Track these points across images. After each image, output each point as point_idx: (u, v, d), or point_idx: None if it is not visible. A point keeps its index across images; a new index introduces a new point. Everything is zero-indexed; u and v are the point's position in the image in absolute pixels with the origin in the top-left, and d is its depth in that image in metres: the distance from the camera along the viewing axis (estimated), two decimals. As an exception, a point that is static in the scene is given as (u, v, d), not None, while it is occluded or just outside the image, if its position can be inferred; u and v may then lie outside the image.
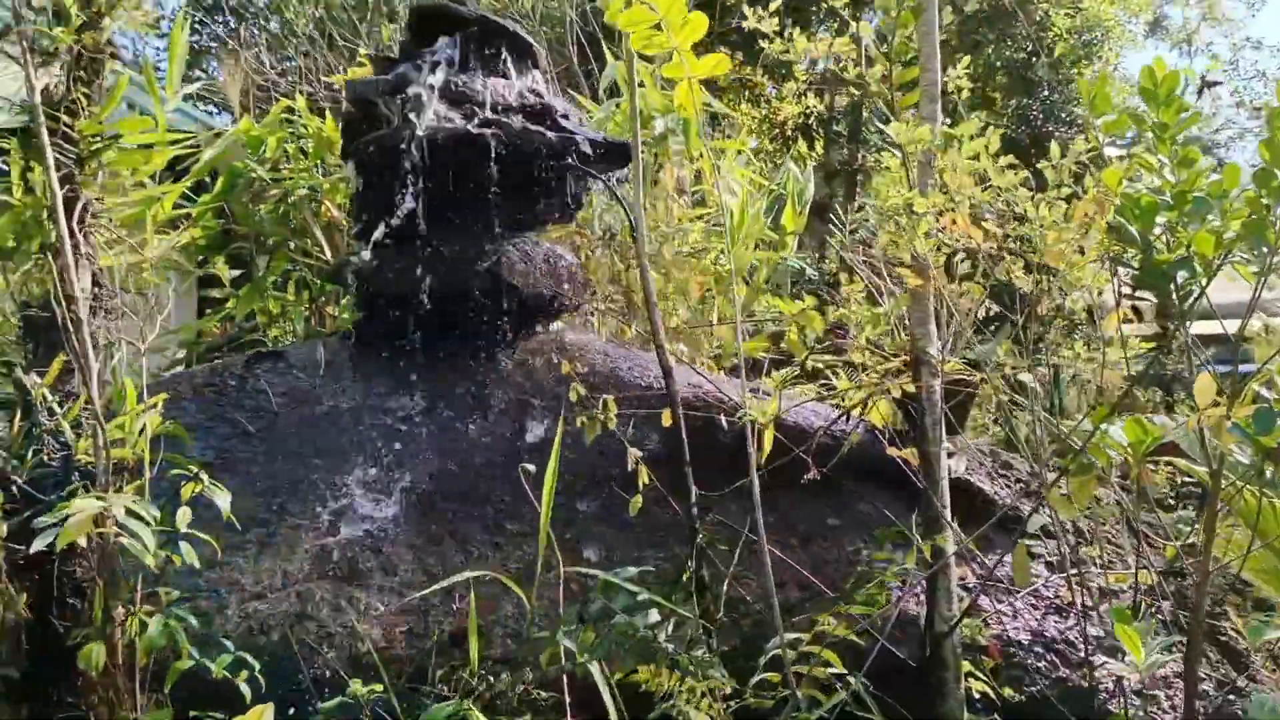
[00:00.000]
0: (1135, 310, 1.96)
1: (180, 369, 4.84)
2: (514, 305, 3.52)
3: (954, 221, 1.99)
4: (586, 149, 3.64)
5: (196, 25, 19.97)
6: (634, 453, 2.62)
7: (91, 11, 2.39)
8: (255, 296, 5.04)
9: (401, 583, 2.92)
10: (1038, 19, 11.60)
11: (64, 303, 2.16)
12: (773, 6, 2.77)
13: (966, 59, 2.58)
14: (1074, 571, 2.43)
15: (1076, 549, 2.48)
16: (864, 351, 2.24)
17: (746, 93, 12.97)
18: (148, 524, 2.04)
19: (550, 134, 3.55)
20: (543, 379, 3.46)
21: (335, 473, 3.24)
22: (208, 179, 5.17)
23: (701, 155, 5.61)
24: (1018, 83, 12.18)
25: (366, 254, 3.72)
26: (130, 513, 2.01)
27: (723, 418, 2.80)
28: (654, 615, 1.88)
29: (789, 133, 12.30)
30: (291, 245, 5.24)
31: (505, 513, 3.09)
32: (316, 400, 3.55)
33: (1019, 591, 2.66)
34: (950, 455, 2.95)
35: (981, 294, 2.69)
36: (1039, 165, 2.15)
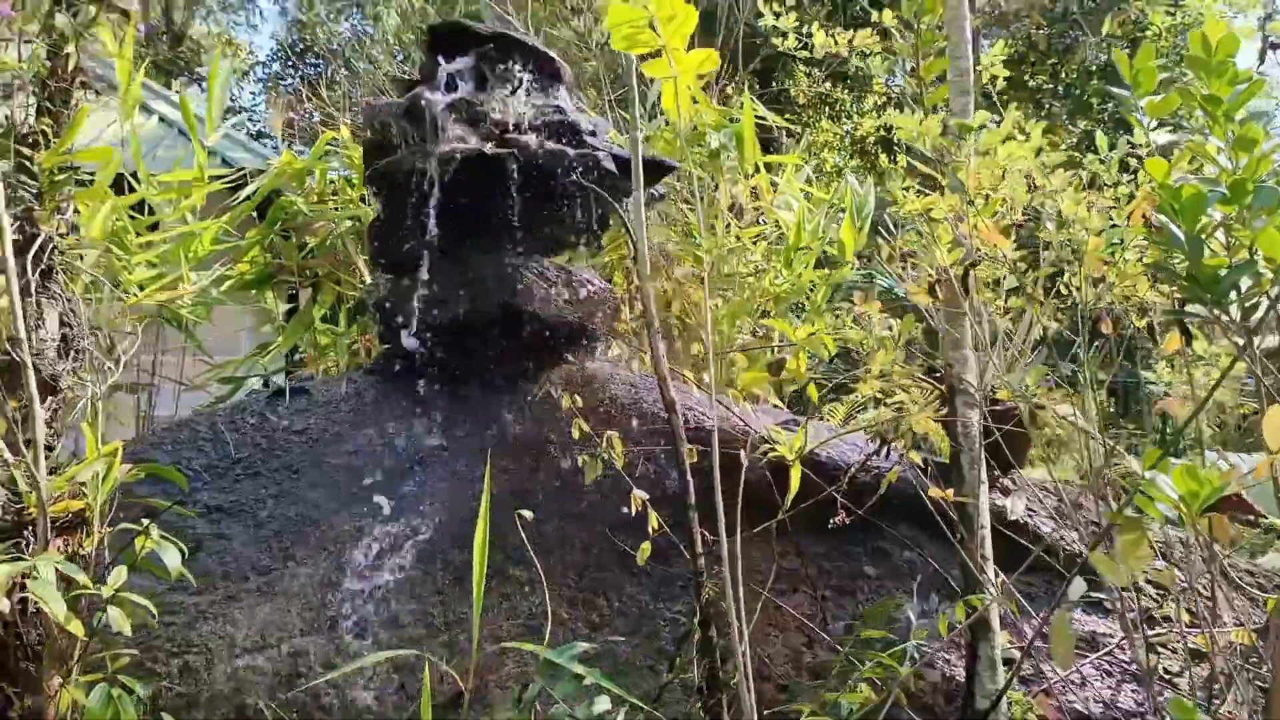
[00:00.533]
0: (1182, 328, 1.62)
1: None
2: (532, 334, 3.31)
3: (975, 228, 1.69)
4: (610, 166, 3.41)
5: (289, 68, 20.66)
6: (638, 495, 2.37)
7: (55, 39, 2.28)
8: (300, 330, 4.96)
9: (403, 637, 2.72)
10: (1133, 18, 10.95)
11: (10, 345, 2.02)
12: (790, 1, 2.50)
13: (1000, 44, 2.27)
14: (1151, 632, 2.07)
15: (1139, 606, 2.12)
16: (874, 382, 1.95)
17: (827, 109, 12.62)
18: (84, 586, 1.87)
19: (570, 151, 3.34)
20: (563, 413, 3.22)
21: (344, 516, 3.06)
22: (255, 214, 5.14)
23: (758, 171, 5.34)
24: (1115, 85, 11.53)
25: (385, 283, 3.58)
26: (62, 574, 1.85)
27: (743, 454, 2.52)
28: (602, 703, 1.62)
29: (869, 147, 11.90)
30: (339, 277, 5.16)
31: (514, 558, 2.86)
32: (335, 438, 3.40)
33: (1087, 655, 2.30)
34: (1007, 494, 2.60)
35: (1038, 310, 2.36)
36: (1086, 160, 1.83)
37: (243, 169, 5.07)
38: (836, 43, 2.38)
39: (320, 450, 3.34)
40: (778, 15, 2.48)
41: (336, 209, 5.02)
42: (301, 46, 18.93)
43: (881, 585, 2.59)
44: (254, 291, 5.28)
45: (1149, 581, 2.58)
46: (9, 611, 1.85)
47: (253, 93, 20.97)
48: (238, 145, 7.89)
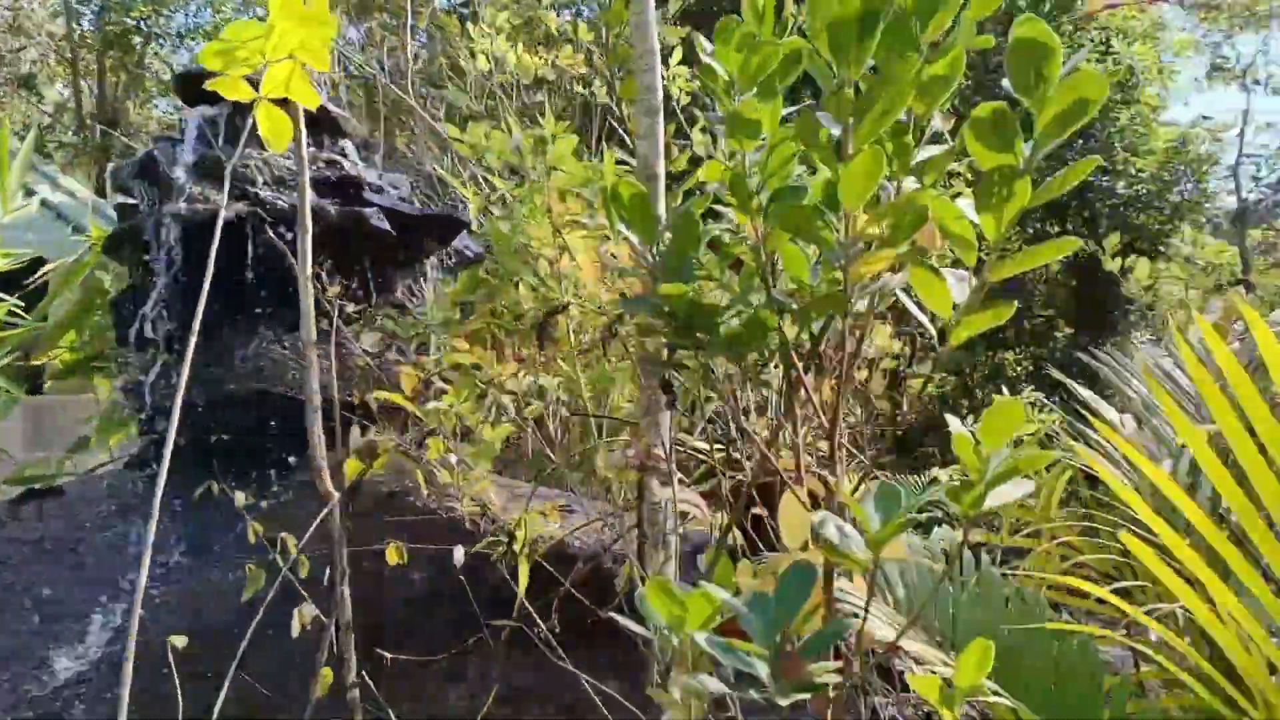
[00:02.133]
0: (665, 386, 1.23)
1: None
2: (285, 420, 2.89)
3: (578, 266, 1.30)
4: (382, 225, 3.04)
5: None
6: (306, 612, 1.93)
7: None
8: (113, 424, 4.51)
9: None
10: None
11: None
12: (500, 20, 2.14)
13: (678, 51, 1.91)
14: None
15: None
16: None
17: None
18: None
19: (330, 208, 2.96)
20: (314, 511, 2.79)
21: (48, 645, 2.61)
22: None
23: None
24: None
25: (137, 366, 3.17)
26: None
27: (457, 551, 2.10)
28: None
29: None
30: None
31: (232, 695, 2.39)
32: (69, 548, 2.95)
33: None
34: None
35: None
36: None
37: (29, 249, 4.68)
38: (537, 64, 2.03)
39: (57, 561, 2.89)
40: (489, 38, 2.13)
41: (158, 287, 4.63)
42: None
43: (624, 706, 2.13)
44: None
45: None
46: None
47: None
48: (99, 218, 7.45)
